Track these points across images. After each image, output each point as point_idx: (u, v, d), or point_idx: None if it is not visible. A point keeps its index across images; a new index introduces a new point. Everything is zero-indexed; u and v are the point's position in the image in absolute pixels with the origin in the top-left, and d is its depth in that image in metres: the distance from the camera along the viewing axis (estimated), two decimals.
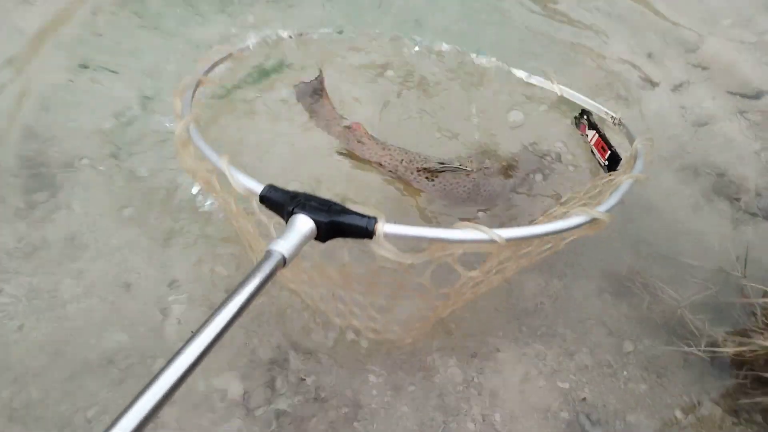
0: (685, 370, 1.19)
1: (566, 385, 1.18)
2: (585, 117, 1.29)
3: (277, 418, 1.09)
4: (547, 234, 0.76)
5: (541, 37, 1.89)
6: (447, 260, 0.73)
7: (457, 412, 1.13)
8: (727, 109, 1.68)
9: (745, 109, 1.68)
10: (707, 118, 1.66)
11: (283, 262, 0.65)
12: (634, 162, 1.00)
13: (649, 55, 1.86)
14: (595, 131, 1.26)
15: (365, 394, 1.14)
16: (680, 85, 1.76)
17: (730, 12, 2.03)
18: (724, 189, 1.49)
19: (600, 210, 0.79)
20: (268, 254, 0.65)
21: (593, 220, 0.78)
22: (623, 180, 0.90)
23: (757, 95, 1.73)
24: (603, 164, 1.22)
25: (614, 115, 1.23)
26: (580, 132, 1.32)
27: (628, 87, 1.74)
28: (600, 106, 1.27)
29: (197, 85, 1.05)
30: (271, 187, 0.72)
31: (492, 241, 0.70)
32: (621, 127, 1.21)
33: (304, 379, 1.14)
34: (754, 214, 1.43)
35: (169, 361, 0.54)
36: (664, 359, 1.21)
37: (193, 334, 0.56)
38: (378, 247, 0.68)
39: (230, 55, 1.25)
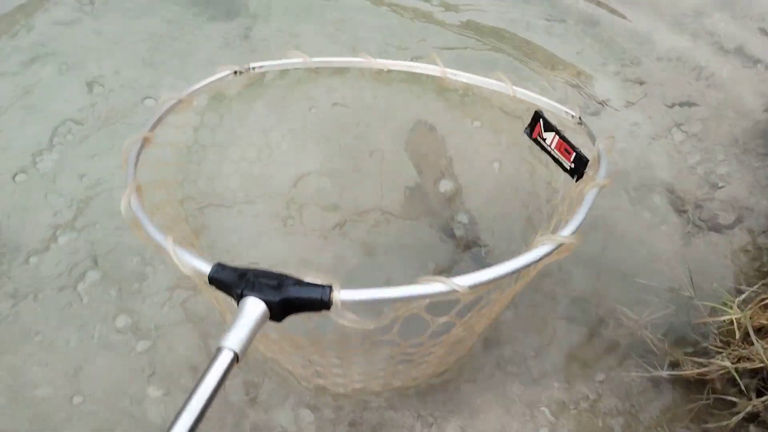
0: (655, 395, 1.21)
1: (545, 427, 1.18)
2: (540, 119, 1.17)
3: None
4: (512, 272, 0.72)
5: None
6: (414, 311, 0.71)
7: None
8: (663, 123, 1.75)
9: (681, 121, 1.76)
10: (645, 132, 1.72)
11: (236, 358, 0.61)
12: (598, 165, 0.95)
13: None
14: (554, 133, 1.13)
15: None
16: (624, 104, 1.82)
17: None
18: (669, 204, 1.54)
19: (565, 233, 0.76)
20: (218, 352, 0.60)
21: (561, 246, 0.75)
22: (587, 190, 0.85)
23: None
24: (569, 167, 1.11)
25: (573, 114, 1.14)
26: (533, 137, 1.21)
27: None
28: (557, 105, 1.17)
29: (142, 145, 0.94)
30: (219, 267, 0.67)
31: (454, 291, 0.66)
32: (582, 126, 1.13)
33: None
34: (699, 227, 1.48)
35: None
36: (633, 385, 1.23)
37: None
38: (337, 316, 0.65)
39: (180, 101, 1.09)
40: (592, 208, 0.82)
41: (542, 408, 1.21)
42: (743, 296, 1.20)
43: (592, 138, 1.06)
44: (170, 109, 1.06)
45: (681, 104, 1.81)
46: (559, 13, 2.15)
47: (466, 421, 1.18)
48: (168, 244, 0.71)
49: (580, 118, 1.13)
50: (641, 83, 1.89)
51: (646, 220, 1.52)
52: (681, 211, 1.53)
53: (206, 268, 0.67)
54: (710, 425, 1.13)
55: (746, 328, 1.13)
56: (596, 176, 0.91)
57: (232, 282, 0.65)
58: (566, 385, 1.23)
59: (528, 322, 1.32)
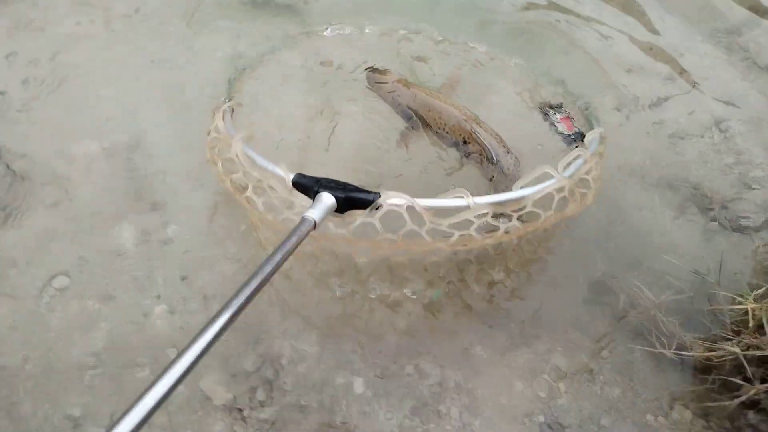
0: (657, 373, 1.23)
1: (543, 390, 1.21)
2: (553, 106, 1.50)
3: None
4: (515, 198, 1.00)
5: None
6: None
7: (438, 416, 1.15)
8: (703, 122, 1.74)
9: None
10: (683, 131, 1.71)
11: (314, 225, 0.83)
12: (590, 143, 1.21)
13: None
14: (566, 114, 1.47)
15: (345, 400, 1.15)
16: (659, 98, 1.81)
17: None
18: (697, 201, 1.54)
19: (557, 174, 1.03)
20: (303, 220, 0.83)
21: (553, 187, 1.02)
22: (578, 152, 1.12)
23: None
24: (567, 134, 1.42)
25: (583, 103, 1.47)
26: (543, 111, 1.53)
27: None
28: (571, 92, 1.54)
29: (232, 109, 1.29)
30: (299, 175, 0.95)
31: (467, 207, 0.94)
32: (588, 112, 1.44)
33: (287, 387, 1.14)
34: (725, 226, 1.48)
35: (228, 302, 0.65)
36: (636, 362, 1.25)
37: (247, 281, 0.69)
38: (385, 206, 0.91)
39: (244, 70, 1.52)
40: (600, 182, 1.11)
41: (544, 375, 1.23)
42: (761, 290, 1.21)
43: (591, 125, 1.39)
44: (239, 76, 1.50)
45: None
46: None
47: (472, 379, 1.21)
48: (283, 168, 0.98)
49: (587, 107, 1.46)
50: None
51: (670, 214, 1.52)
52: (707, 209, 1.53)
53: (290, 176, 0.96)
54: (710, 405, 1.14)
55: (760, 319, 1.14)
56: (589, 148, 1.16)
57: (310, 184, 0.91)
58: (569, 353, 1.25)
59: (541, 296, 1.34)
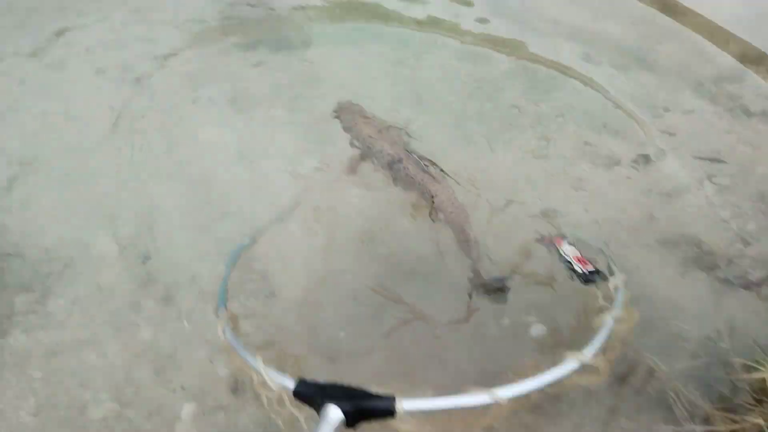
0: None
1: None
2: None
3: None
4: (545, 385, 0.82)
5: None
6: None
7: None
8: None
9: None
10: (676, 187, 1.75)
11: None
12: (615, 295, 1.05)
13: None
14: (574, 248, 1.41)
15: None
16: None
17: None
18: (700, 259, 1.55)
19: (588, 354, 0.87)
20: None
21: (584, 365, 0.86)
22: (606, 318, 0.96)
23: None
24: (582, 272, 1.34)
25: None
26: (548, 242, 1.46)
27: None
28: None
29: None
30: (302, 382, 0.81)
31: (496, 402, 0.79)
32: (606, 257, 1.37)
33: None
34: (730, 283, 1.49)
35: None
36: None
37: None
38: (401, 423, 0.77)
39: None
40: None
41: None
42: None
43: (611, 270, 1.24)
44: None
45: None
46: None
47: None
48: (259, 364, 0.85)
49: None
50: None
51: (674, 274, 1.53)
52: (710, 268, 1.54)
53: (291, 384, 0.81)
54: None
55: None
56: (614, 305, 1.01)
57: (313, 394, 0.79)
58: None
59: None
